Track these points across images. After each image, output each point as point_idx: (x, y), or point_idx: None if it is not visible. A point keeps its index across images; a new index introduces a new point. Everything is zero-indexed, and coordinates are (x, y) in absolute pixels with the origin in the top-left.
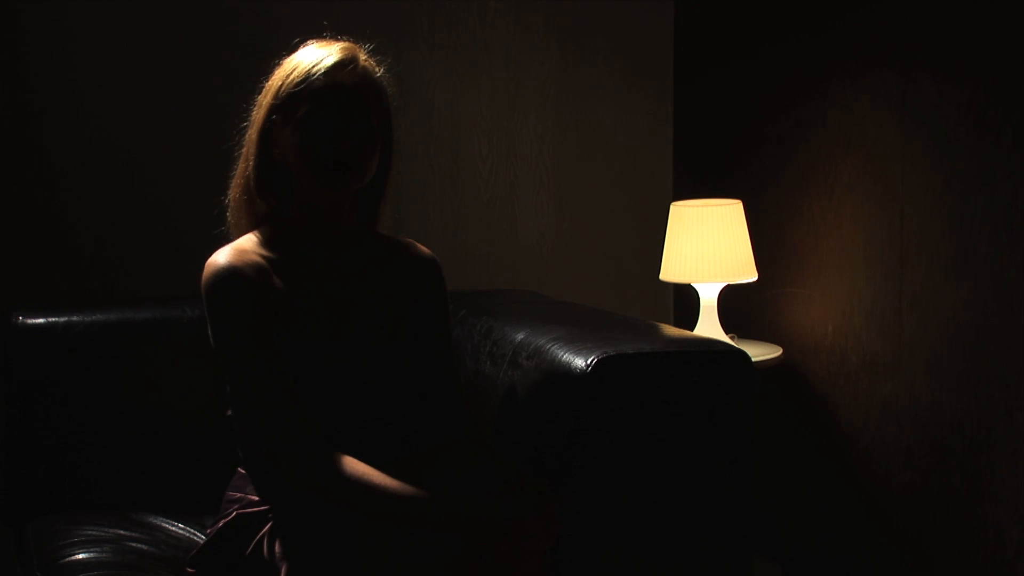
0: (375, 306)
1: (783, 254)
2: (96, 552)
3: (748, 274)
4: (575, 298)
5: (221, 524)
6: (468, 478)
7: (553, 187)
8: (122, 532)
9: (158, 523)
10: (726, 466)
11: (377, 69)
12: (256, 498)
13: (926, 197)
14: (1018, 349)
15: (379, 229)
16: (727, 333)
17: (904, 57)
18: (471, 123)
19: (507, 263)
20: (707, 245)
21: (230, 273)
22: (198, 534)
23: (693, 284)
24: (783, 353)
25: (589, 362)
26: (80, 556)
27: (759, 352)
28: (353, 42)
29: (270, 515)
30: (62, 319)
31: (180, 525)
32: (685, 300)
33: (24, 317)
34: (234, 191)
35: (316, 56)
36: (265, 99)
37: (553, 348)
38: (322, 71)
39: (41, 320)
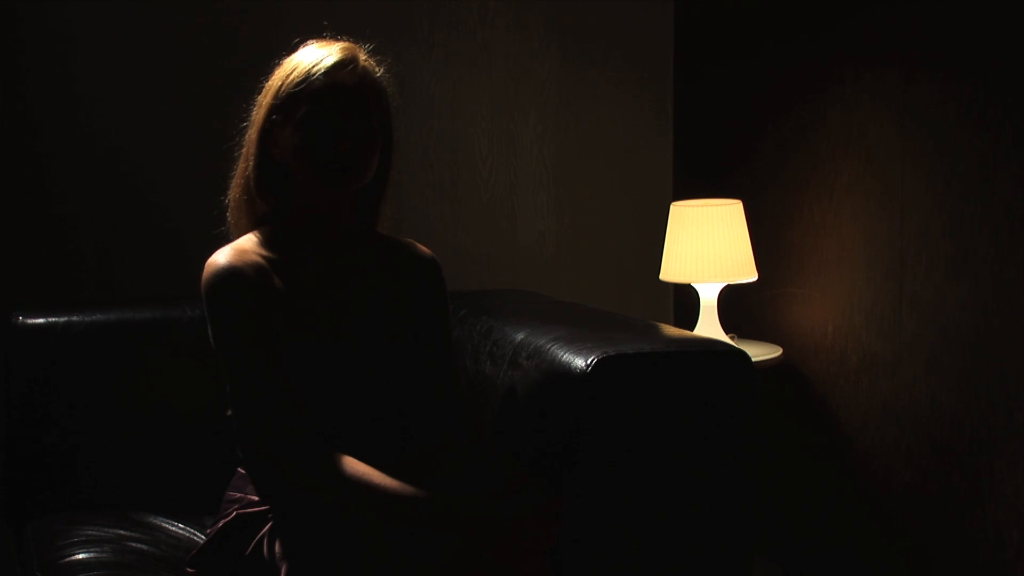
0: (375, 306)
1: (783, 254)
2: (96, 552)
3: (748, 274)
4: (575, 298)
5: (221, 524)
6: (468, 478)
7: (553, 187)
8: (122, 532)
9: (158, 523)
10: (726, 466)
11: (377, 69)
12: (256, 498)
13: (926, 197)
14: (1018, 349)
15: (379, 229)
16: (727, 333)
17: (904, 57)
18: (471, 123)
19: (507, 263)
20: (707, 245)
21: (230, 273)
22: (198, 534)
23: (693, 284)
24: (783, 353)
25: (589, 362)
26: (80, 556)
27: (759, 352)
28: (353, 42)
29: (270, 515)
30: (62, 319)
31: (180, 525)
32: (685, 300)
33: (24, 317)
34: (234, 191)
35: (316, 56)
36: (265, 99)
37: (553, 348)
38: (322, 71)
39: (41, 320)
